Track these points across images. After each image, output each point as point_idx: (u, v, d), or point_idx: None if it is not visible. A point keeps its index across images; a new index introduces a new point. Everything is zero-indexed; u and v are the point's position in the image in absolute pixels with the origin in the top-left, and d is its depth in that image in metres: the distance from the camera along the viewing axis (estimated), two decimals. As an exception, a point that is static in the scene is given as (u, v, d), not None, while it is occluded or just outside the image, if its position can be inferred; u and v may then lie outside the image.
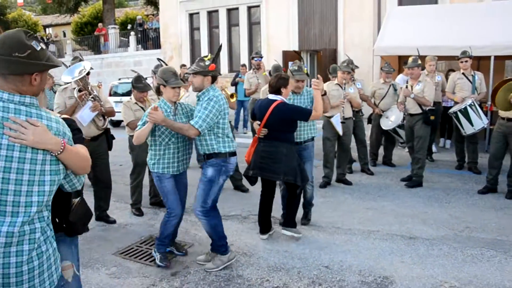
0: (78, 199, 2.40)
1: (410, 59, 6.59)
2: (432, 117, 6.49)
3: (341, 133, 6.43)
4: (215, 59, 3.90)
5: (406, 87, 6.72)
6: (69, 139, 1.99)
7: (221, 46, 4.30)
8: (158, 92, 4.20)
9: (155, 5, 23.56)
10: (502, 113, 6.05)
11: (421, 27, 9.55)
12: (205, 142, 3.93)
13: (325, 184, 6.62)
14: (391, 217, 5.29)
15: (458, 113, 7.04)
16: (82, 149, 2.07)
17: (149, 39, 21.15)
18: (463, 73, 7.42)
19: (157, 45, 20.19)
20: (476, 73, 7.49)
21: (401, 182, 6.72)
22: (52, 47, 23.96)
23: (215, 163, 3.93)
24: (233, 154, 4.02)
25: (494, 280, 3.76)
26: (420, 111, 6.50)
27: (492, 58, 8.47)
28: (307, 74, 4.87)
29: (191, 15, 18.32)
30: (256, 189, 5.26)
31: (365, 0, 14.06)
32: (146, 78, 5.64)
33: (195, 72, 3.84)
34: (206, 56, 3.90)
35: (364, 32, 13.97)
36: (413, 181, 6.55)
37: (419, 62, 6.58)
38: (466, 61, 7.33)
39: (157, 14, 21.73)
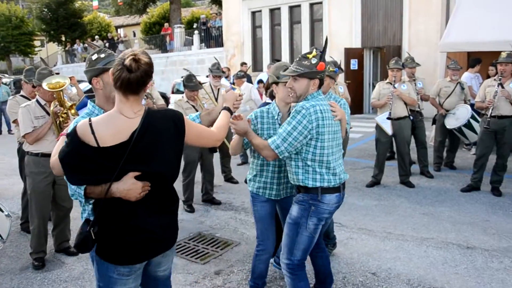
0: None
1: (504, 54, 5.95)
2: None
3: (390, 132, 6.19)
4: (323, 55, 2.90)
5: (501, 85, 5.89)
6: None
7: (327, 39, 3.21)
8: (272, 96, 3.43)
9: (220, 4, 23.97)
10: None
11: (493, 20, 8.88)
12: (290, 169, 2.97)
13: (372, 184, 6.49)
14: (448, 224, 4.97)
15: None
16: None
17: (212, 38, 21.52)
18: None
19: (219, 43, 20.50)
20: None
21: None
22: (121, 47, 25.12)
23: (302, 199, 2.93)
24: (331, 190, 2.88)
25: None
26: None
27: None
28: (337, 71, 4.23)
29: (253, 13, 18.40)
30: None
31: (433, -6, 13.40)
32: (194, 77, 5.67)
33: (299, 75, 2.84)
34: (310, 53, 2.89)
35: (431, 28, 13.32)
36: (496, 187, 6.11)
37: None
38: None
39: (220, 13, 22.06)
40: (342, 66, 13.90)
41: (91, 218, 2.16)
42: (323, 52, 2.91)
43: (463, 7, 10.03)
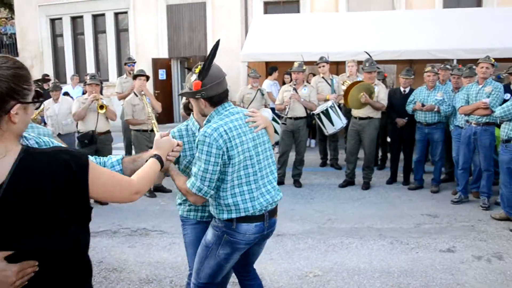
0: None
1: (296, 64, 6.84)
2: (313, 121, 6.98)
3: None
4: (203, 71, 2.43)
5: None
6: None
7: (217, 42, 2.55)
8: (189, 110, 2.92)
9: (10, 8, 21.50)
10: (354, 113, 6.66)
11: (285, 34, 10.13)
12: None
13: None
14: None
15: (321, 114, 7.59)
16: None
17: (4, 46, 19.26)
18: (322, 77, 8.02)
19: (14, 52, 18.48)
20: (334, 77, 8.15)
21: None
22: None
23: (216, 225, 2.56)
24: (251, 219, 2.48)
25: (351, 264, 4.12)
26: (305, 114, 6.88)
27: (346, 63, 9.27)
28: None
29: (52, 20, 17.08)
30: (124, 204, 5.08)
31: (232, 8, 14.44)
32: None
33: (181, 94, 2.63)
34: (197, 67, 2.48)
35: (233, 39, 14.34)
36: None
37: (304, 67, 6.91)
38: (323, 66, 7.93)
39: (11, 18, 19.86)
40: (150, 76, 14.03)
41: None
42: (208, 62, 2.45)
43: (259, 21, 11.18)
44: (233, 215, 2.44)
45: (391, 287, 3.75)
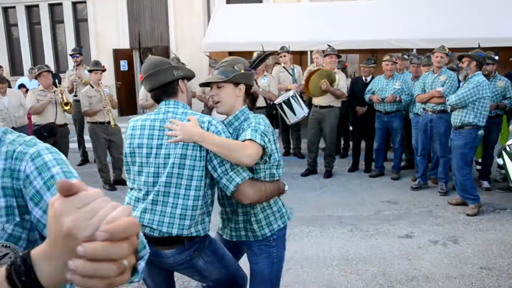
0: None
1: (255, 54, 6.74)
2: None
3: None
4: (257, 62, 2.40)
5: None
6: None
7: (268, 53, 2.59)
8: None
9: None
10: (315, 101, 6.67)
11: (248, 24, 10.05)
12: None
13: None
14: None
15: (282, 104, 7.57)
16: None
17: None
18: (283, 67, 7.99)
19: (-35, 43, 17.66)
20: (295, 67, 8.14)
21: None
22: None
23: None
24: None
25: (311, 252, 4.13)
26: (264, 104, 6.86)
27: (309, 53, 9.29)
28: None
29: (5, 9, 16.37)
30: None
31: (194, -3, 14.24)
32: None
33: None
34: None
35: (195, 29, 14.15)
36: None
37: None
38: (284, 56, 7.90)
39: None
40: (111, 67, 13.71)
41: None
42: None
43: (221, 11, 11.05)
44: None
45: (349, 274, 3.78)
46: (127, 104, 14.03)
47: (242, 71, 2.25)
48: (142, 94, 6.54)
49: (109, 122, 6.23)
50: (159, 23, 14.83)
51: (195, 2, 14.25)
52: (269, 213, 2.30)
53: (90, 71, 6.57)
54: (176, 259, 2.16)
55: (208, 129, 2.09)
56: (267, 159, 2.20)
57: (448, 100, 5.25)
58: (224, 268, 2.30)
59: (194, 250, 2.16)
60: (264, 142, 2.07)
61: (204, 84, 2.33)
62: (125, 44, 14.89)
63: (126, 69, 14.66)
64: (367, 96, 6.69)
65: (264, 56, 2.31)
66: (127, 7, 14.91)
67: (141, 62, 2.43)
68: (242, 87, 2.26)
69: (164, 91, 2.21)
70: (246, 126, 2.18)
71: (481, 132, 5.16)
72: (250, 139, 2.04)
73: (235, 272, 2.38)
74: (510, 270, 3.83)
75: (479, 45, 6.31)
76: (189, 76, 2.31)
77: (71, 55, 8.85)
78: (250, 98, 2.37)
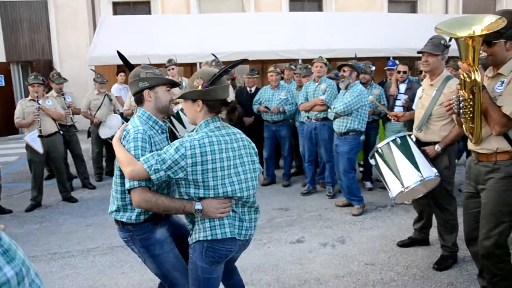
0: None
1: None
2: None
3: (41, 151, 6.03)
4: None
5: None
6: None
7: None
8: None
9: None
10: None
11: (135, 36, 9.77)
12: None
13: (32, 207, 6.12)
14: (113, 230, 5.17)
15: (172, 118, 7.45)
16: None
17: None
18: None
19: None
20: (183, 79, 8.02)
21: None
22: None
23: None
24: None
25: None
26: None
27: (198, 65, 9.27)
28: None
29: None
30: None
31: (78, 8, 13.56)
32: None
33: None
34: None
35: (80, 42, 13.47)
36: None
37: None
38: (172, 69, 7.77)
39: None
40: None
41: None
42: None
43: (107, 22, 10.63)
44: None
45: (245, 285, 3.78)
46: (6, 122, 12.73)
47: (199, 87, 2.34)
48: (19, 112, 6.28)
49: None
50: (40, 35, 13.88)
51: (80, 12, 13.60)
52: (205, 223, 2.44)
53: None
54: (120, 235, 2.64)
55: (124, 137, 2.44)
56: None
57: (334, 108, 5.55)
58: (155, 264, 2.59)
59: (128, 235, 2.55)
60: (153, 169, 2.24)
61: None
62: (1, 57, 13.70)
63: (3, 84, 13.46)
64: (255, 107, 6.84)
65: (226, 69, 2.32)
66: (0, 17, 13.72)
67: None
68: (200, 103, 2.37)
69: (136, 100, 2.62)
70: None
71: (363, 137, 5.57)
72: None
73: (167, 273, 2.62)
74: (390, 263, 4.12)
75: (355, 55, 6.80)
76: (156, 85, 2.55)
77: None
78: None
